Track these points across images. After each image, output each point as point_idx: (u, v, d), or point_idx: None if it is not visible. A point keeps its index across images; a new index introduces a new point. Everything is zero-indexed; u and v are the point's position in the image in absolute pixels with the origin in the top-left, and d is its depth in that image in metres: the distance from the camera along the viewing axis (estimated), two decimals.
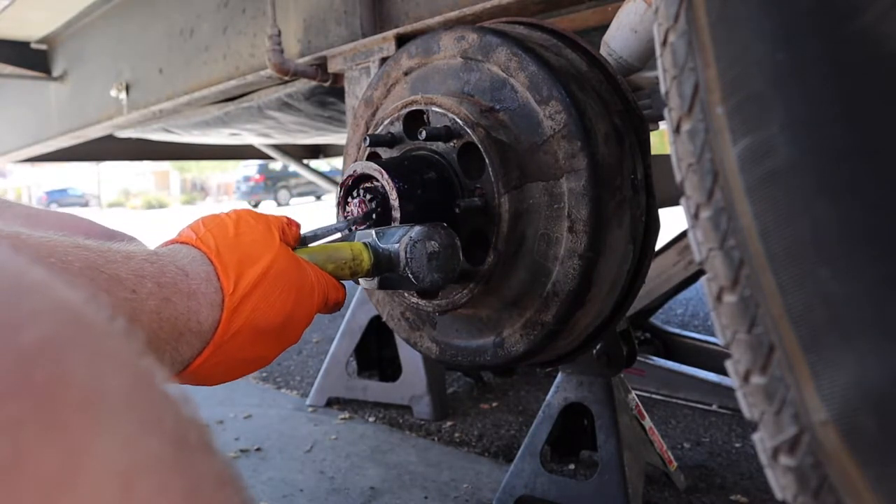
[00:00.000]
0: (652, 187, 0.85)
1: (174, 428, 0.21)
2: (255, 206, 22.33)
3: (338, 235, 0.74)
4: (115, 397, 0.19)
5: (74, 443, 0.18)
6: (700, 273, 0.48)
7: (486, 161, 0.77)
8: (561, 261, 0.77)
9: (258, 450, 1.65)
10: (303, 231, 0.69)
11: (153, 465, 0.19)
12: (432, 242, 0.68)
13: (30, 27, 2.35)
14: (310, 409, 1.94)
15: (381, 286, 0.72)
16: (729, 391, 1.66)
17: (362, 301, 1.91)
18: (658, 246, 1.04)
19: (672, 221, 1.01)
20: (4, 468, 0.16)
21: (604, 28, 1.02)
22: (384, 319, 0.97)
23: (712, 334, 2.03)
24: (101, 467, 0.18)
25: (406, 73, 0.91)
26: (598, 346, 1.15)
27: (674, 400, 1.81)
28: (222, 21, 1.76)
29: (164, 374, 0.22)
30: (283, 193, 21.26)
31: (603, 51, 0.99)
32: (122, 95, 2.15)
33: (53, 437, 0.17)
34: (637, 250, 0.85)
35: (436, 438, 1.69)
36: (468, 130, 0.77)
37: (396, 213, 0.74)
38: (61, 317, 0.20)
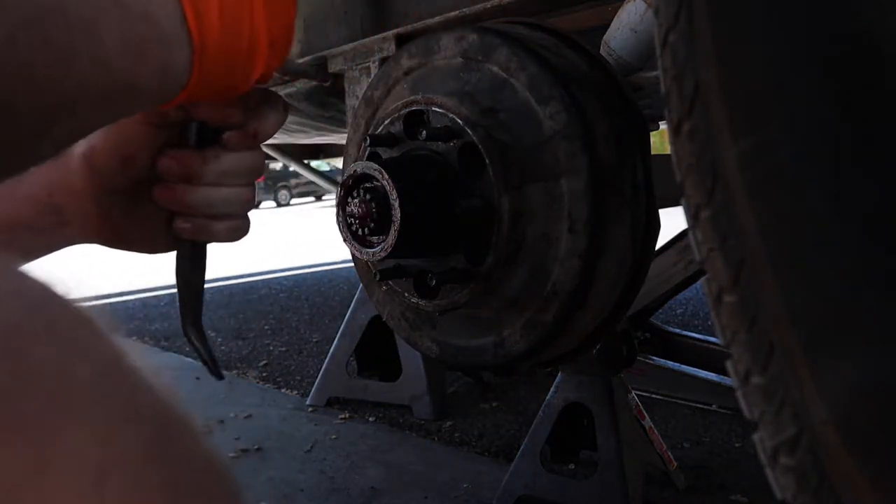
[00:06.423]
0: (652, 187, 0.85)
1: (152, 418, 0.20)
2: (256, 206, 22.24)
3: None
4: (84, 388, 0.18)
5: (40, 440, 0.17)
6: (700, 273, 0.47)
7: (487, 161, 0.77)
8: (561, 261, 0.77)
9: (258, 449, 1.65)
10: None
11: (128, 459, 0.18)
12: None
13: None
14: (310, 408, 1.94)
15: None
16: (729, 391, 1.66)
17: (362, 301, 1.91)
18: (658, 246, 1.04)
19: (672, 221, 1.01)
20: None
21: (604, 28, 1.02)
22: (384, 319, 0.97)
23: (712, 334, 2.03)
24: (70, 464, 0.17)
25: (406, 73, 0.91)
26: (598, 346, 1.15)
27: (674, 400, 1.81)
28: None
29: (136, 361, 0.21)
30: (283, 193, 21.24)
31: (603, 51, 0.99)
32: None
33: (17, 436, 0.16)
34: (637, 250, 0.85)
35: (436, 438, 1.69)
36: (468, 130, 0.77)
37: (396, 213, 0.74)
38: (21, 305, 0.19)
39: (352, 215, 0.77)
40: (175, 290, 0.57)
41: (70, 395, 0.18)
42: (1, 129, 0.33)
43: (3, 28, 0.31)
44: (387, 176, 0.74)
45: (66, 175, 0.51)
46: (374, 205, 0.75)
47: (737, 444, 1.56)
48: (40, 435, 0.17)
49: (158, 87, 0.42)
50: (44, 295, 0.20)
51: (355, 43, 1.35)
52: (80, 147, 0.51)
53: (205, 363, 0.56)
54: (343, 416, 1.85)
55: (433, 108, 0.80)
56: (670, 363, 1.84)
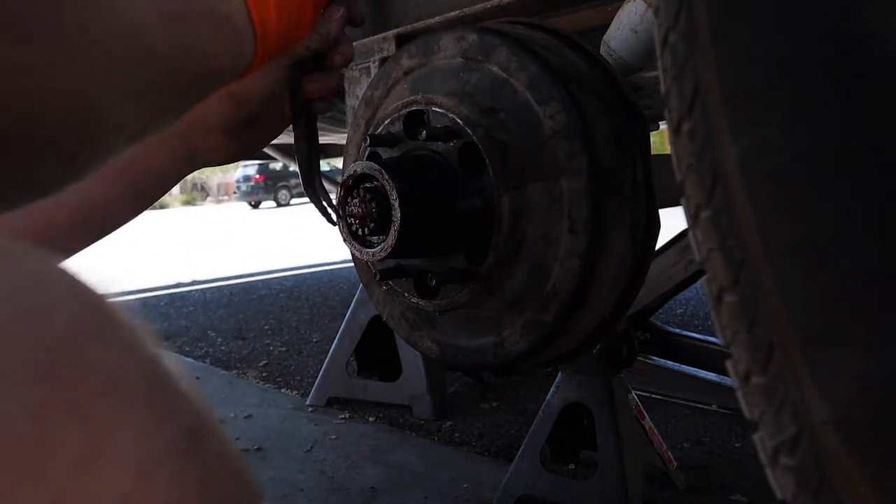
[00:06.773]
0: (652, 187, 0.85)
1: (188, 420, 0.21)
2: (256, 206, 22.35)
3: None
4: (133, 387, 0.20)
5: (97, 428, 0.18)
6: (700, 273, 0.47)
7: (487, 161, 0.77)
8: (561, 261, 0.77)
9: (258, 449, 1.65)
10: None
11: (168, 456, 0.19)
12: None
13: None
14: (310, 408, 1.94)
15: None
16: (729, 391, 1.66)
17: (362, 301, 1.91)
18: (658, 246, 1.04)
19: (672, 221, 1.01)
20: (31, 450, 0.16)
21: (604, 28, 1.02)
22: (384, 319, 0.97)
23: (712, 334, 2.02)
24: (121, 455, 0.18)
25: (406, 73, 0.91)
26: (598, 346, 1.15)
27: (674, 400, 1.81)
28: None
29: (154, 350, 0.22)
30: (283, 193, 21.25)
31: (603, 51, 0.99)
32: None
33: (78, 422, 0.18)
34: (637, 250, 0.85)
35: (436, 438, 1.69)
36: (468, 130, 0.77)
37: (396, 213, 0.74)
38: (80, 306, 0.20)
39: (352, 215, 0.77)
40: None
41: (121, 392, 0.19)
42: (138, 110, 0.42)
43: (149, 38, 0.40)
44: (387, 176, 0.74)
45: (200, 118, 0.68)
46: (374, 205, 0.75)
47: (737, 444, 1.56)
48: (99, 425, 0.18)
49: (232, 71, 0.53)
50: (98, 299, 0.21)
51: (355, 43, 1.34)
52: (218, 94, 0.65)
53: (324, 213, 0.80)
54: (343, 416, 1.85)
55: (433, 108, 0.80)
56: (670, 363, 1.84)
